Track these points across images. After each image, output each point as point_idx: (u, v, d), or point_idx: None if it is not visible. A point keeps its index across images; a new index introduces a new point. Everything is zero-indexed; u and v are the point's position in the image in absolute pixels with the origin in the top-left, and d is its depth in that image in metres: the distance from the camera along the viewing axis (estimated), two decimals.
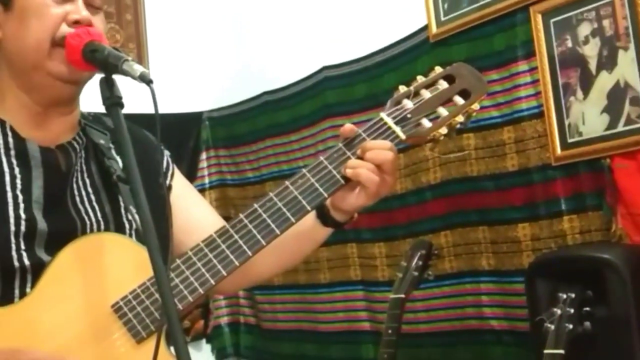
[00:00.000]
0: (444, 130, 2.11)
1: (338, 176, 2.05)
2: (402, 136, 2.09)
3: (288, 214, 2.02)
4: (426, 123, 2.10)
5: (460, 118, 2.12)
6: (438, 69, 2.19)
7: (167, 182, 2.28)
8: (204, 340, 5.21)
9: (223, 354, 5.22)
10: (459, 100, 2.14)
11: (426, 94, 2.13)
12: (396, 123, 2.09)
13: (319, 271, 4.53)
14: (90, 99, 2.07)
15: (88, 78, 2.06)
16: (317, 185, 2.04)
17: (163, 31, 5.25)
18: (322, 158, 2.07)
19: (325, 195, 2.04)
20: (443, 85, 2.15)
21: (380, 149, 2.05)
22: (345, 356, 4.41)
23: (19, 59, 2.05)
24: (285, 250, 2.23)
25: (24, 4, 2.02)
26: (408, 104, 2.12)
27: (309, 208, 2.04)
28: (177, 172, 2.34)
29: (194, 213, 2.29)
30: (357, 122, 3.97)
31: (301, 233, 2.18)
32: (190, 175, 4.99)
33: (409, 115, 2.10)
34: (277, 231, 2.01)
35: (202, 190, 5.03)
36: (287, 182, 2.05)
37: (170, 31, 5.27)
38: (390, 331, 3.31)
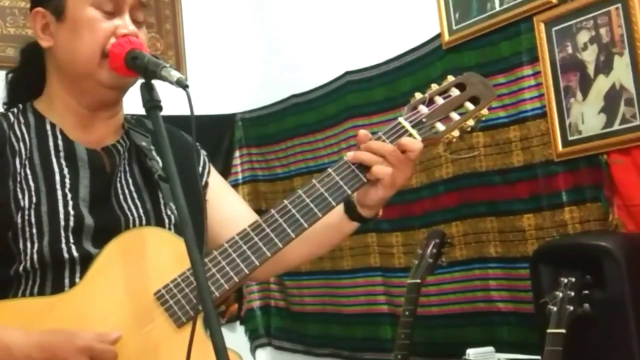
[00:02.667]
0: (456, 132, 2.10)
1: (361, 175, 2.04)
2: (418, 138, 2.07)
3: (315, 210, 2.01)
4: (440, 126, 2.09)
5: (470, 122, 2.12)
6: (450, 78, 2.18)
7: (204, 179, 2.27)
8: (237, 323, 5.19)
9: (255, 335, 5.22)
10: (469, 106, 2.13)
11: (440, 100, 2.12)
12: (413, 126, 2.08)
13: (342, 259, 4.51)
14: (132, 103, 2.07)
15: (131, 84, 2.06)
16: (341, 183, 2.03)
17: (199, 40, 5.24)
18: (346, 158, 2.06)
19: (349, 192, 2.04)
20: (455, 92, 2.14)
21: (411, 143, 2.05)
22: (366, 336, 4.40)
23: (69, 67, 2.05)
24: (315, 241, 2.22)
25: (77, 17, 2.01)
26: (423, 109, 2.10)
27: (334, 204, 2.03)
28: (213, 170, 2.33)
29: (228, 207, 2.29)
30: (377, 123, 4.06)
31: (330, 226, 2.17)
32: (225, 171, 4.98)
33: (424, 120, 2.09)
34: (305, 225, 2.01)
35: (235, 186, 5.03)
36: (314, 181, 2.04)
37: (206, 40, 5.26)
38: (407, 313, 3.29)
